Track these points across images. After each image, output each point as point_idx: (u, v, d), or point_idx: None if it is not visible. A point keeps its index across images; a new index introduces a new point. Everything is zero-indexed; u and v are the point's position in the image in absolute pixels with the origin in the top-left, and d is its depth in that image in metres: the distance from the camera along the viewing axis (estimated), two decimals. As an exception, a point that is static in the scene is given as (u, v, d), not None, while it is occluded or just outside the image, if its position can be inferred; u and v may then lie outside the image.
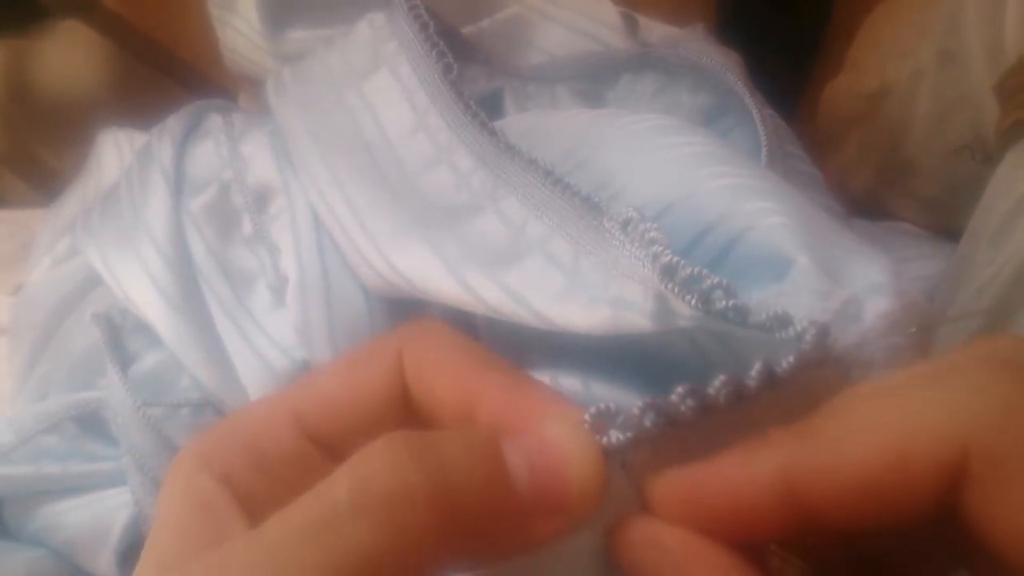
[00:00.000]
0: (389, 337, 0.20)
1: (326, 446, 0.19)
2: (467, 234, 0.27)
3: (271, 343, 0.31)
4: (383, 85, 0.32)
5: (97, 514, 0.32)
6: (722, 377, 0.17)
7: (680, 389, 0.17)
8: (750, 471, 0.16)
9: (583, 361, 0.24)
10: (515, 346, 0.27)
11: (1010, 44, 0.36)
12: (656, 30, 0.45)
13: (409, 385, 0.19)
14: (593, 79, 0.39)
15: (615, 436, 0.17)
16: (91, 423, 0.33)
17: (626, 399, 0.23)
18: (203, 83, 0.69)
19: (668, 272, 0.20)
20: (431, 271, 0.27)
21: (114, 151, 0.44)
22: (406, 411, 0.20)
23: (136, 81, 0.72)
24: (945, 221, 0.47)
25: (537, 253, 0.25)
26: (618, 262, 0.22)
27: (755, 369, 0.17)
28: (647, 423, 0.17)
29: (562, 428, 0.17)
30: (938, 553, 0.17)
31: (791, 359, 0.17)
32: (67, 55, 0.72)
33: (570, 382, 0.24)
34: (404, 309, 0.31)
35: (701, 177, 0.24)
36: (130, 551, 0.32)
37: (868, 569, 0.19)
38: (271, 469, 0.19)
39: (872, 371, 0.19)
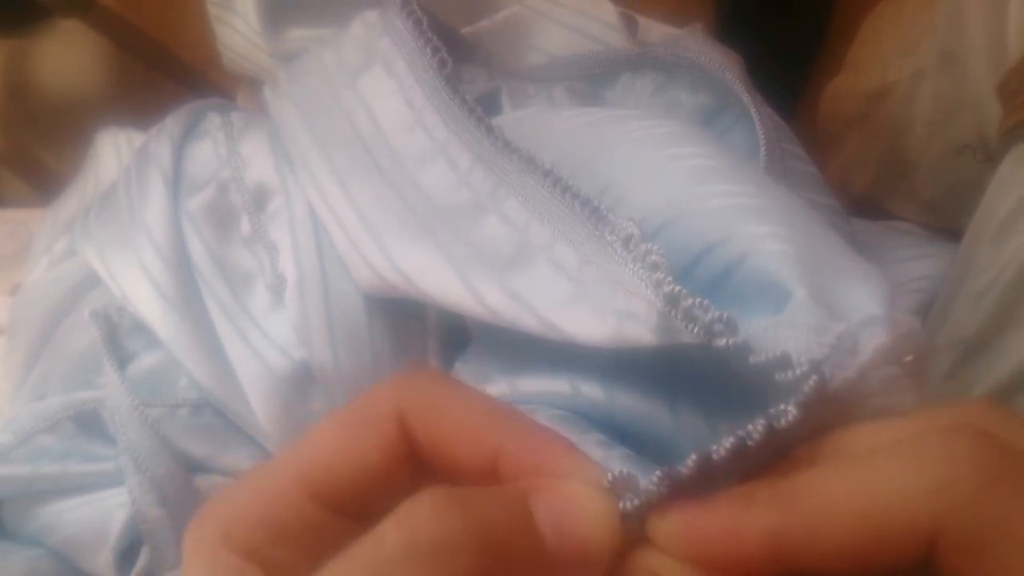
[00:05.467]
0: (383, 395, 0.21)
1: (338, 509, 0.20)
2: (472, 235, 0.26)
3: (270, 343, 0.31)
4: (377, 82, 0.32)
5: (95, 514, 0.32)
6: (726, 444, 0.18)
7: (691, 460, 0.18)
8: (741, 528, 0.18)
9: (603, 368, 0.24)
10: (515, 352, 0.27)
11: (1012, 44, 0.35)
12: (655, 30, 0.45)
13: (421, 442, 0.20)
14: (592, 79, 0.39)
15: (630, 501, 0.19)
16: (89, 423, 0.33)
17: (648, 408, 0.24)
18: (202, 83, 0.69)
19: (671, 301, 0.20)
20: (434, 270, 0.26)
21: (112, 151, 0.44)
22: (412, 466, 0.20)
23: (135, 81, 0.72)
24: (945, 221, 0.47)
25: (543, 258, 0.25)
26: (621, 276, 0.22)
27: (756, 430, 0.18)
28: (662, 490, 0.18)
29: (584, 491, 0.19)
30: None
31: (792, 413, 0.18)
32: (66, 55, 0.72)
33: (591, 390, 0.24)
34: (402, 308, 0.31)
35: (704, 194, 0.25)
36: (128, 550, 0.32)
37: None
38: (291, 539, 0.20)
39: (867, 401, 0.20)
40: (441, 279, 0.26)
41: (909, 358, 0.20)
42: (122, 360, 0.32)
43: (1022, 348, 0.30)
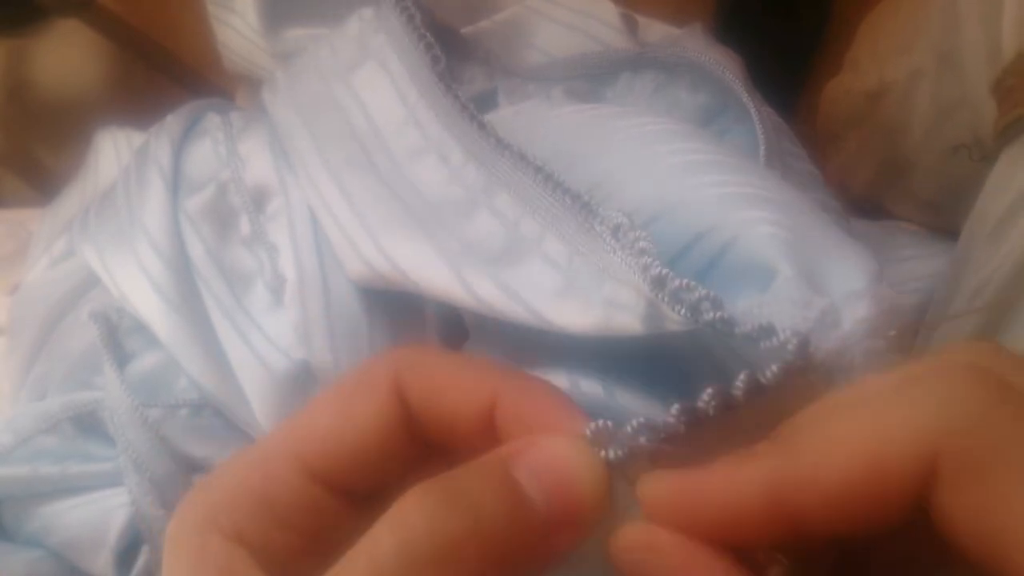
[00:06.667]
0: (378, 366, 0.20)
1: (332, 485, 0.20)
2: (464, 229, 0.27)
3: (269, 343, 0.31)
4: (372, 77, 0.32)
5: (95, 514, 0.32)
6: (710, 390, 0.18)
7: (674, 409, 0.18)
8: (738, 484, 0.17)
9: (602, 365, 0.24)
10: (514, 348, 0.27)
11: (1007, 43, 0.35)
12: (655, 29, 0.45)
13: (416, 405, 0.20)
14: (592, 78, 0.39)
15: (613, 452, 0.18)
16: (88, 423, 0.33)
17: (647, 405, 0.24)
18: (201, 83, 0.69)
19: (658, 283, 0.20)
20: (427, 264, 0.27)
21: (112, 151, 0.44)
22: (408, 437, 0.20)
23: (134, 81, 0.72)
24: (944, 220, 0.47)
25: (534, 252, 0.25)
26: (610, 266, 0.23)
27: (740, 380, 0.18)
28: (642, 440, 0.18)
29: (568, 445, 0.18)
30: (921, 554, 0.18)
31: (775, 369, 0.18)
32: (65, 55, 0.72)
33: (590, 386, 0.24)
34: (401, 307, 0.31)
35: (696, 185, 0.25)
36: (128, 551, 0.32)
37: (853, 566, 0.19)
38: (282, 518, 0.19)
39: (853, 374, 0.20)
40: (433, 272, 0.26)
41: (892, 332, 0.20)
42: (121, 360, 0.32)
43: (1019, 345, 0.30)
